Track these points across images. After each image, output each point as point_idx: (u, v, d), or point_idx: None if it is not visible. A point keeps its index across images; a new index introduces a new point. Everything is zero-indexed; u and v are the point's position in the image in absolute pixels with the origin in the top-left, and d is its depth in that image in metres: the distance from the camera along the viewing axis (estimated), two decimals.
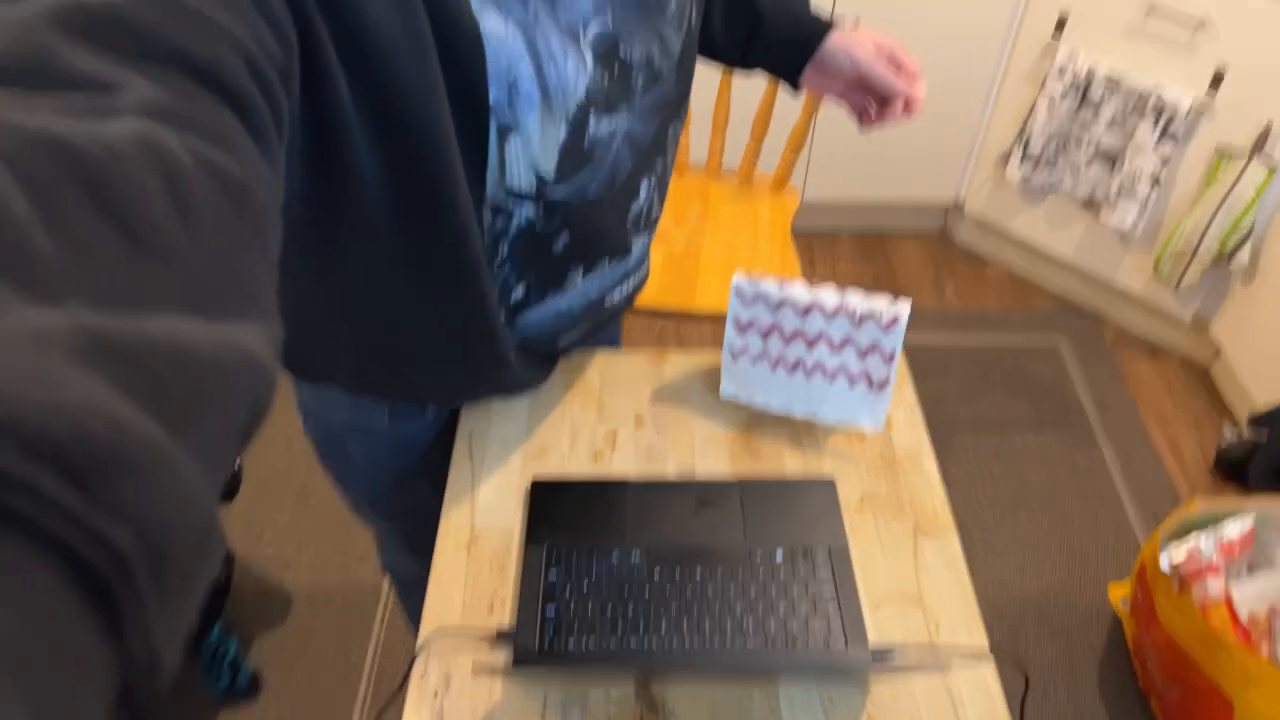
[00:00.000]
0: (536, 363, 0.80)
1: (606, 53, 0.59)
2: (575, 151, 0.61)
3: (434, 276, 0.62)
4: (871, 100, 0.81)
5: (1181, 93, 1.70)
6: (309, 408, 0.83)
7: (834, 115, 1.95)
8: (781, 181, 1.56)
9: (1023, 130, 1.93)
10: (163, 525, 0.18)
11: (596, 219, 0.68)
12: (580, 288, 0.73)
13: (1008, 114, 2.00)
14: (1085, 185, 1.92)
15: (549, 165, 0.60)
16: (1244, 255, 1.74)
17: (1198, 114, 1.71)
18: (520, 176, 0.60)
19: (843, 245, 2.32)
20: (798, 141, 1.50)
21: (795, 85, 0.84)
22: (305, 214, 0.53)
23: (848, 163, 2.13)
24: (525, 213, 0.63)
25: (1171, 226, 1.82)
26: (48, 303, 0.19)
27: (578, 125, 0.60)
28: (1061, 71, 1.81)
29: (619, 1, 0.58)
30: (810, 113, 1.47)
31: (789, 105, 1.79)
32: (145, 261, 0.22)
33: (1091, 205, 1.95)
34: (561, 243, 0.67)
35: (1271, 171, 1.65)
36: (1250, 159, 1.66)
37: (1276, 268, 1.72)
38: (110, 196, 0.22)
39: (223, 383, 0.21)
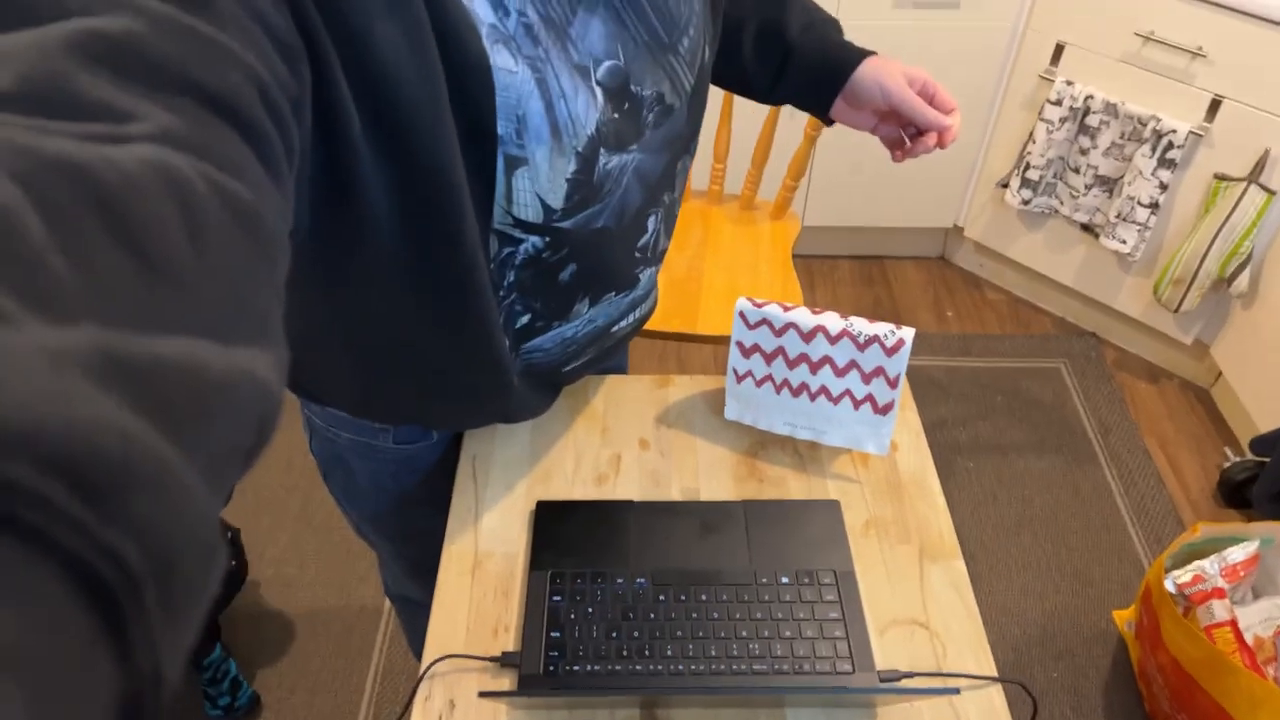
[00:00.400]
0: (541, 390, 0.80)
1: (618, 89, 0.59)
2: (584, 185, 0.61)
3: (439, 303, 0.62)
4: (905, 131, 0.81)
5: (1179, 120, 1.71)
6: (314, 426, 0.83)
7: (834, 142, 1.97)
8: (782, 208, 1.57)
9: (1021, 156, 1.95)
10: (170, 540, 0.18)
11: (604, 250, 0.68)
12: (586, 316, 0.73)
13: (1006, 140, 2.02)
14: (1084, 210, 1.93)
15: (557, 197, 0.61)
16: (1244, 280, 1.75)
17: (1195, 140, 1.73)
18: (527, 207, 0.60)
19: (843, 270, 2.33)
20: (798, 169, 1.51)
21: (827, 119, 0.84)
22: (313, 241, 0.54)
23: (847, 189, 2.15)
24: (532, 242, 0.63)
25: (1171, 251, 1.83)
26: (63, 322, 0.19)
27: (587, 159, 0.60)
28: (1059, 98, 1.83)
29: (631, 38, 0.59)
30: (810, 140, 1.48)
31: (789, 133, 1.80)
32: (158, 285, 0.23)
33: (1090, 230, 1.97)
34: (568, 272, 0.67)
35: (1271, 196, 1.66)
36: (1249, 185, 1.67)
37: (1276, 292, 1.73)
38: (125, 221, 0.22)
39: (230, 404, 0.22)
